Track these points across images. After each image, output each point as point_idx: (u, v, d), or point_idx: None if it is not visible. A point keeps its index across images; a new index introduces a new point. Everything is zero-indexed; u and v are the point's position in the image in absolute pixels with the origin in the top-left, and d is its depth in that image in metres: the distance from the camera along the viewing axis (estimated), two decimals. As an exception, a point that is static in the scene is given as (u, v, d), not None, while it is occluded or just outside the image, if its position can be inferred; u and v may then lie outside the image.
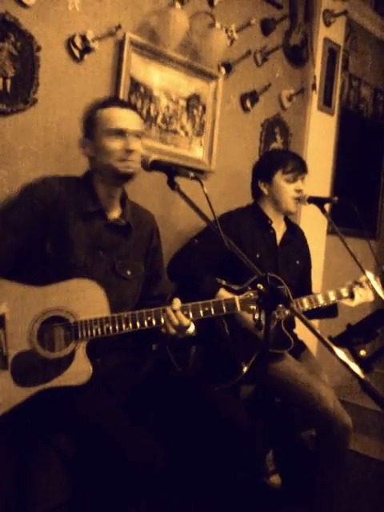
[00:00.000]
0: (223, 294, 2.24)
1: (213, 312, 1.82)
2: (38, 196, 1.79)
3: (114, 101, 1.94)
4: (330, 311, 2.49)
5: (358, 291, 2.40)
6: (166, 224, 2.61)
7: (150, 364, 2.01)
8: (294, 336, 2.47)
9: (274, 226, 2.52)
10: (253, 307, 1.86)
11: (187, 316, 1.79)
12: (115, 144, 1.81)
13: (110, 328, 1.72)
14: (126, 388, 1.86)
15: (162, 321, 1.77)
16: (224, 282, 2.28)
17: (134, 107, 1.95)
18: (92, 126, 1.85)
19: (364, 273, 2.36)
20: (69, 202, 1.82)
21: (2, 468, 1.67)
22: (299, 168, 2.48)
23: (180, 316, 1.77)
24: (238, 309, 1.86)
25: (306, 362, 2.45)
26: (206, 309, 1.81)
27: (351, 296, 2.41)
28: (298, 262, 2.60)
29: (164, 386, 1.88)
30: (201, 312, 1.81)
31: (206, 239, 2.32)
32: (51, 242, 1.77)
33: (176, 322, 1.76)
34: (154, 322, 1.76)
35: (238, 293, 2.23)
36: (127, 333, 1.74)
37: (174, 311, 1.77)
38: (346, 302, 2.44)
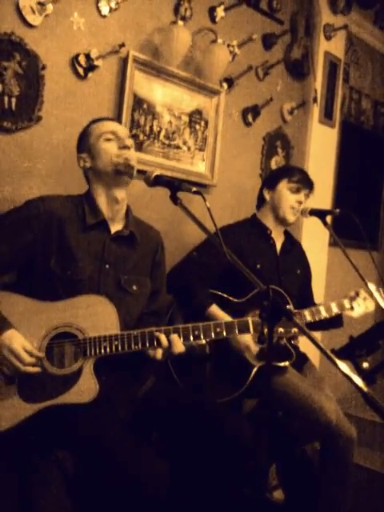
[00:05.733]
0: (214, 310, 2.24)
1: (225, 334, 1.81)
2: (35, 212, 1.80)
3: (104, 117, 2.03)
4: (335, 322, 2.50)
5: (357, 302, 2.42)
6: (173, 237, 2.61)
7: (152, 379, 2.00)
8: (296, 348, 2.47)
9: (273, 235, 2.54)
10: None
11: (197, 337, 1.78)
12: (111, 144, 1.89)
13: (119, 346, 1.71)
14: (129, 404, 1.86)
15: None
16: (225, 296, 2.30)
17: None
18: (86, 137, 1.94)
19: (366, 284, 2.37)
20: (68, 217, 1.84)
21: (4, 483, 1.66)
22: (305, 181, 2.51)
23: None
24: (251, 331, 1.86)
25: (308, 375, 2.45)
26: (218, 330, 1.80)
27: (352, 308, 2.43)
28: (298, 272, 2.61)
29: (166, 401, 1.88)
30: (212, 333, 1.80)
31: (205, 252, 2.34)
32: (55, 258, 1.78)
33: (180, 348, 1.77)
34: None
35: (235, 308, 2.24)
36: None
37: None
38: (348, 312, 2.46)
